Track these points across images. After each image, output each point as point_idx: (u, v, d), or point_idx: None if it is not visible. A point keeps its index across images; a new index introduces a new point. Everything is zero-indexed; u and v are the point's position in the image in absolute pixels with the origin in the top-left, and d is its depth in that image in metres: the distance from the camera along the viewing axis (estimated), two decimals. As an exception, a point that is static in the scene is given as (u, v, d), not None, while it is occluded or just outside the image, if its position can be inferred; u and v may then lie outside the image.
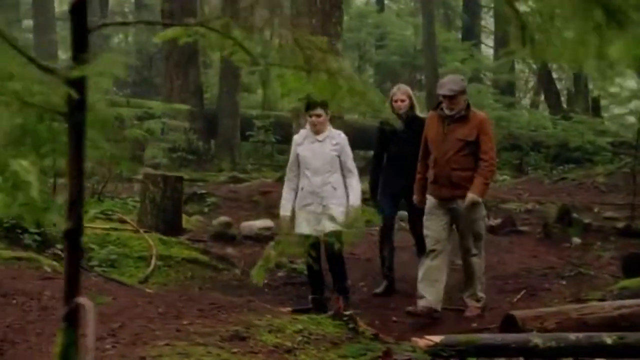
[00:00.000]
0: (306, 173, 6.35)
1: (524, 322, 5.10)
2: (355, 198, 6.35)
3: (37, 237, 6.38)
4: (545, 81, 22.69)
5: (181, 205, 8.13)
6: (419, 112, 7.06)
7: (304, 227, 6.24)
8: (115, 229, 7.67)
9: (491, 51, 27.05)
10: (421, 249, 6.59)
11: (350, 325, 4.32)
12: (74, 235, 1.61)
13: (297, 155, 6.44)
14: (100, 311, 4.45)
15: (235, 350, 3.68)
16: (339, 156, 6.38)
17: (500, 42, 23.16)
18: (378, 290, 7.07)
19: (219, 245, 8.12)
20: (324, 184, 6.30)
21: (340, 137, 6.45)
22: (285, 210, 6.48)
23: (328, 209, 6.19)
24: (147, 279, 6.76)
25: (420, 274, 6.14)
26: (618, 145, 17.21)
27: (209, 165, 15.53)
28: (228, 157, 15.88)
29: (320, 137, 6.34)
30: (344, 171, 6.40)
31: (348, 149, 6.46)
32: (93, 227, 7.70)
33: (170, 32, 2.05)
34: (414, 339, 4.31)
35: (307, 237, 4.98)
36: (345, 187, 6.39)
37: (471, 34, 24.82)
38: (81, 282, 1.61)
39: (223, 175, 13.73)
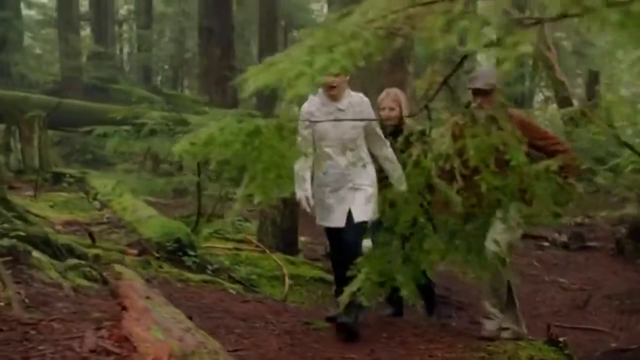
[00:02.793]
0: None
1: (679, 343, 5.51)
2: None
3: (195, 259, 6.68)
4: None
5: (297, 224, 8.42)
6: (407, 121, 5.61)
7: None
8: (238, 249, 7.98)
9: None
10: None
11: (566, 352, 4.67)
12: None
13: None
14: (330, 335, 4.81)
15: (498, 376, 4.05)
16: None
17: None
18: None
19: (335, 264, 8.40)
20: None
21: None
22: None
23: None
24: (286, 298, 7.08)
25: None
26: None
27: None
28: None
29: None
30: None
31: None
32: (217, 246, 8.02)
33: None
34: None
35: None
36: None
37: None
38: None
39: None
